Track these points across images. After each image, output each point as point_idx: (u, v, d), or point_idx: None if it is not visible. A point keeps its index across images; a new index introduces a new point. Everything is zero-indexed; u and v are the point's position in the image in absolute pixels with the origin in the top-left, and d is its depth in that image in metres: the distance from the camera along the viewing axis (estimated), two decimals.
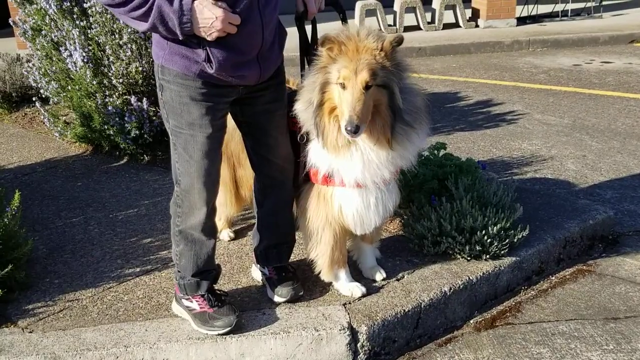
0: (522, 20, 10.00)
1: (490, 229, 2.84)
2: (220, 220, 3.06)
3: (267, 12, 2.21)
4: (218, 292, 2.57)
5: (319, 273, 2.67)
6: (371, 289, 2.69)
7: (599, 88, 6.45)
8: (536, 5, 10.29)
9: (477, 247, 2.84)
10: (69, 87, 4.61)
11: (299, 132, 2.48)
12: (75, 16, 4.40)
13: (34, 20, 4.79)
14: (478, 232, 2.83)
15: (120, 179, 4.17)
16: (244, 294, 2.73)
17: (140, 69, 4.32)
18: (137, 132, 4.28)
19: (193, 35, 2.11)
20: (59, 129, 4.85)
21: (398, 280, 2.77)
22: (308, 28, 2.54)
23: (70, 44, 4.40)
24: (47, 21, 4.64)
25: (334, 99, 2.27)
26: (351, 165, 2.36)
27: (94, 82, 4.37)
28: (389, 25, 9.61)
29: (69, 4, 4.41)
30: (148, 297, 2.75)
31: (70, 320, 2.61)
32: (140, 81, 4.38)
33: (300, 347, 2.43)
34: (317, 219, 2.55)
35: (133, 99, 4.27)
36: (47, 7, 4.52)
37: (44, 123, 5.14)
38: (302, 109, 2.37)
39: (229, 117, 2.46)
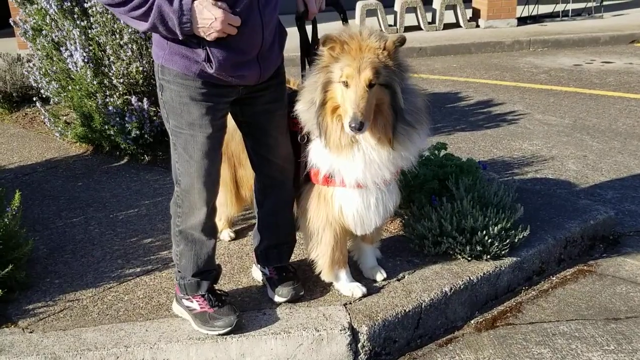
0: (522, 21, 9.99)
1: (491, 229, 2.84)
2: (220, 221, 3.06)
3: (267, 12, 2.21)
4: (218, 292, 2.57)
5: (320, 273, 2.67)
6: (372, 289, 2.69)
7: (599, 88, 6.45)
8: (537, 6, 10.28)
9: (478, 247, 2.84)
10: (70, 87, 4.61)
11: (300, 133, 2.48)
12: (75, 16, 4.40)
13: (34, 20, 4.79)
14: (479, 232, 2.83)
15: (121, 179, 4.17)
16: (245, 294, 2.73)
17: (140, 69, 4.32)
18: (137, 132, 4.28)
19: (193, 35, 2.11)
20: (59, 129, 4.85)
21: (399, 280, 2.77)
22: (308, 28, 2.54)
23: (71, 44, 4.40)
24: (47, 21, 4.64)
25: (336, 98, 2.27)
26: (353, 165, 2.36)
27: (95, 82, 4.37)
28: (390, 25, 9.60)
29: (69, 3, 4.41)
30: (148, 297, 2.75)
31: (70, 320, 2.60)
32: (140, 81, 4.38)
33: (300, 347, 2.43)
34: (318, 220, 2.54)
35: (133, 99, 4.27)
36: (48, 7, 4.52)
37: (44, 123, 5.14)
38: (304, 109, 2.37)
39: (229, 117, 2.46)
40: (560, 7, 10.25)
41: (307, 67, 2.50)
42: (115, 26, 4.29)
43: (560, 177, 4.19)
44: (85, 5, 4.35)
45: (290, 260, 2.79)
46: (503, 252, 2.90)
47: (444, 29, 9.73)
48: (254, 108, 2.42)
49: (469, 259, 2.88)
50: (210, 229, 2.47)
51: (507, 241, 2.89)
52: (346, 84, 2.22)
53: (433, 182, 3.09)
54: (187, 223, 2.43)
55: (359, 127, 2.15)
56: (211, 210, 2.44)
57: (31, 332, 2.53)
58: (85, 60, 4.33)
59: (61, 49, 4.60)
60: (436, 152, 3.33)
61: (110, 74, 4.35)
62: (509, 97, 6.28)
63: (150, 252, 3.15)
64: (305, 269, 2.81)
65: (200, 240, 2.45)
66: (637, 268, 3.14)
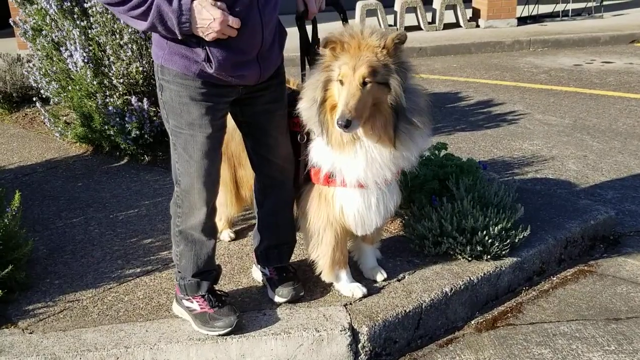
0: (522, 20, 9.99)
1: (491, 229, 2.84)
2: (220, 221, 3.05)
3: (267, 12, 2.20)
4: (218, 292, 2.57)
5: (320, 274, 2.66)
6: (372, 289, 2.69)
7: (599, 88, 6.45)
8: (537, 5, 10.28)
9: (478, 248, 2.84)
10: (70, 88, 4.60)
11: (300, 133, 2.48)
12: (75, 16, 4.39)
13: (34, 21, 4.79)
14: (479, 233, 2.82)
15: (121, 179, 4.17)
16: (245, 295, 2.73)
17: (140, 69, 4.32)
18: (137, 132, 4.28)
19: (192, 35, 2.11)
20: (59, 129, 4.85)
21: (399, 280, 2.76)
22: (309, 28, 2.54)
23: (71, 44, 4.39)
24: (47, 21, 4.64)
25: (335, 96, 2.27)
26: (354, 163, 2.35)
27: (95, 82, 4.37)
28: (390, 25, 9.60)
29: (69, 4, 4.41)
30: (148, 298, 2.75)
31: (70, 321, 2.60)
32: (140, 81, 4.38)
33: (301, 347, 2.42)
34: (318, 220, 2.54)
35: (133, 99, 4.27)
36: (48, 7, 4.51)
37: (44, 123, 5.14)
38: (306, 107, 2.37)
39: (229, 117, 2.46)
40: (560, 7, 10.25)
41: (307, 66, 2.50)
42: (115, 26, 4.29)
43: (561, 177, 4.19)
44: (85, 5, 4.35)
45: (291, 261, 2.78)
46: (503, 253, 2.89)
47: (444, 29, 9.72)
48: (253, 108, 2.42)
49: (470, 259, 2.88)
50: (210, 229, 2.47)
51: (508, 241, 2.89)
52: (342, 82, 2.23)
53: (433, 182, 3.09)
54: (187, 223, 2.42)
55: (346, 125, 2.15)
56: (211, 211, 2.43)
57: (31, 333, 2.52)
58: (85, 60, 4.32)
59: (61, 49, 4.59)
60: (436, 152, 3.33)
61: (110, 74, 4.35)
62: (509, 97, 6.28)
63: (150, 253, 3.15)
64: (305, 270, 2.80)
65: (200, 240, 2.44)
66: (638, 268, 3.13)
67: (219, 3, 2.07)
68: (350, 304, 2.60)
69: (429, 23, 9.80)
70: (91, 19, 4.33)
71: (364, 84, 2.19)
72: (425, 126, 2.38)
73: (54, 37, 4.64)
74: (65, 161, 4.59)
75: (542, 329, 2.69)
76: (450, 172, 3.12)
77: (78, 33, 4.33)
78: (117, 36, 4.29)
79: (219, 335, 2.41)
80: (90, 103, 4.42)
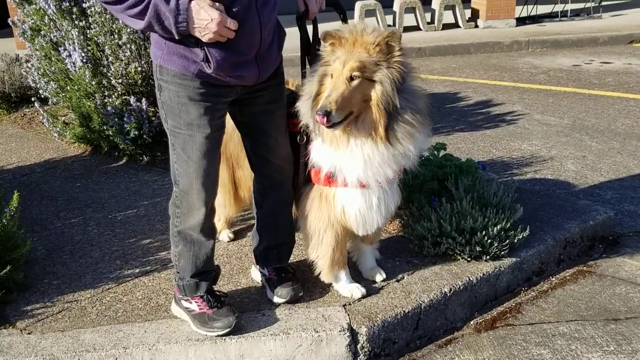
0: (521, 21, 10.00)
1: (490, 229, 2.83)
2: (219, 221, 3.05)
3: (266, 12, 2.20)
4: (217, 293, 2.56)
5: (319, 274, 2.66)
6: (371, 290, 2.68)
7: (598, 88, 6.45)
8: (536, 6, 10.29)
9: (477, 248, 2.84)
10: (68, 88, 4.60)
11: (300, 133, 2.47)
12: (74, 16, 4.39)
13: (32, 21, 4.78)
14: (478, 233, 2.82)
15: (120, 179, 4.17)
16: (244, 295, 2.73)
17: (139, 69, 4.31)
18: (136, 132, 4.27)
19: (191, 35, 2.11)
20: (58, 129, 4.84)
21: (398, 281, 2.76)
22: (309, 28, 2.54)
23: (69, 44, 4.39)
24: (46, 21, 4.63)
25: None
26: (352, 162, 2.35)
27: (93, 83, 4.36)
28: (389, 26, 9.59)
29: (68, 4, 4.40)
30: (147, 298, 2.74)
31: (69, 321, 2.60)
32: (139, 81, 4.37)
33: (300, 348, 2.42)
34: (319, 220, 2.54)
35: (132, 100, 4.27)
36: (46, 7, 4.51)
37: (43, 123, 5.13)
38: (303, 101, 2.39)
39: (228, 118, 2.45)
40: (559, 8, 10.26)
41: (307, 66, 2.50)
42: (114, 26, 4.29)
43: (560, 177, 4.19)
44: (84, 5, 4.34)
45: (290, 261, 2.78)
46: (502, 253, 2.89)
47: (442, 29, 9.73)
48: (252, 108, 2.42)
49: (469, 259, 2.88)
50: (209, 230, 2.46)
51: (507, 242, 2.89)
52: (332, 76, 2.25)
53: (432, 183, 3.09)
54: (185, 224, 2.42)
55: (324, 115, 2.16)
56: (210, 211, 2.43)
57: (29, 334, 2.52)
58: (84, 60, 4.32)
59: (60, 49, 4.59)
60: (435, 152, 3.33)
61: (109, 74, 4.34)
62: (508, 97, 6.28)
63: (149, 253, 3.14)
64: (304, 270, 2.80)
65: (199, 240, 2.44)
66: (637, 269, 3.13)
67: (217, 4, 2.06)
68: (349, 304, 2.60)
69: (428, 23, 9.80)
70: (90, 19, 4.33)
71: (351, 78, 2.21)
72: (423, 126, 2.37)
73: (52, 37, 4.63)
74: (63, 161, 4.59)
75: (541, 330, 2.68)
76: (450, 173, 3.12)
77: (77, 33, 4.32)
78: (116, 36, 4.29)
79: (218, 335, 2.41)
80: (88, 103, 4.42)
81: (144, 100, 4.28)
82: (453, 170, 3.13)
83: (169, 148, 2.38)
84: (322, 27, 2.45)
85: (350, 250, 2.82)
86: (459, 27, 9.85)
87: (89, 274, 2.96)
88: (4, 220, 2.80)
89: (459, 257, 2.89)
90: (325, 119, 2.17)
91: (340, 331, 2.43)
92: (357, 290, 2.64)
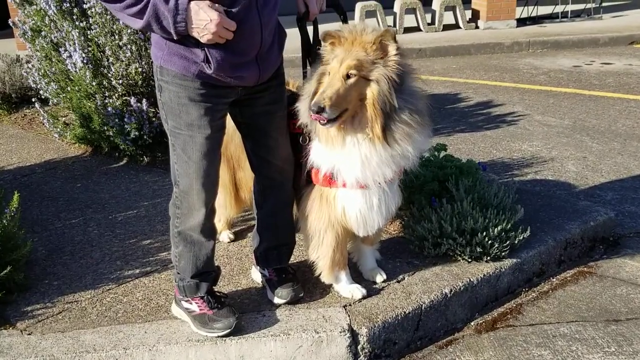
0: (522, 22, 9.99)
1: (491, 230, 2.83)
2: (219, 222, 3.05)
3: (266, 13, 2.20)
4: (218, 293, 2.56)
5: (320, 275, 2.66)
6: (371, 290, 2.68)
7: (599, 89, 6.45)
8: (536, 7, 10.28)
9: (478, 249, 2.83)
10: (69, 88, 4.60)
11: (300, 134, 2.48)
12: (75, 17, 4.39)
13: (33, 21, 4.78)
14: (479, 234, 2.82)
15: (120, 180, 4.16)
16: (244, 296, 2.72)
17: (139, 70, 4.31)
18: (136, 133, 4.27)
19: (190, 35, 2.10)
20: (58, 130, 4.84)
21: (398, 282, 2.76)
22: (309, 29, 2.54)
23: (70, 45, 4.39)
24: (46, 22, 4.63)
25: None
26: (350, 163, 2.35)
27: (94, 83, 4.36)
28: (389, 26, 9.60)
29: (68, 4, 4.40)
30: (147, 299, 2.74)
31: (69, 322, 2.59)
32: (139, 82, 4.37)
33: (300, 349, 2.42)
34: (320, 221, 2.54)
35: (133, 100, 4.27)
36: (47, 8, 4.51)
37: (43, 124, 5.13)
38: (302, 99, 2.39)
39: (229, 119, 2.45)
40: (559, 9, 10.26)
41: (308, 67, 2.50)
42: (115, 27, 4.29)
43: (560, 178, 4.19)
44: (85, 6, 4.34)
45: (290, 262, 2.78)
46: (503, 254, 2.89)
47: (443, 30, 9.73)
48: (253, 109, 2.41)
49: (469, 260, 2.88)
50: (209, 230, 2.46)
51: (507, 242, 2.89)
52: (329, 74, 2.27)
53: (433, 184, 3.09)
54: (186, 224, 2.42)
55: (317, 111, 2.17)
56: (210, 211, 2.43)
57: (29, 334, 2.52)
58: (85, 61, 4.32)
59: (60, 49, 4.59)
60: (436, 153, 3.32)
61: (110, 75, 4.34)
62: (509, 98, 6.28)
63: (149, 254, 3.14)
64: (304, 271, 2.80)
65: (199, 241, 2.44)
66: (638, 269, 3.13)
67: (216, 5, 2.06)
68: (350, 305, 2.59)
69: (429, 24, 9.80)
70: (90, 19, 4.33)
71: (347, 76, 2.22)
72: (422, 127, 2.37)
73: (53, 38, 4.63)
74: (64, 162, 4.59)
75: (541, 331, 2.68)
76: (450, 174, 3.11)
77: (77, 34, 4.33)
78: (117, 37, 4.29)
79: (218, 336, 2.41)
80: (89, 104, 4.42)
81: (144, 101, 4.28)
82: (454, 171, 3.13)
83: (169, 149, 2.38)
84: (323, 28, 2.45)
85: (351, 251, 2.82)
86: (459, 28, 9.85)
87: (90, 275, 2.96)
88: (5, 221, 2.80)
89: (459, 258, 2.89)
90: (318, 115, 2.18)
91: (340, 332, 2.43)
92: (357, 291, 2.64)
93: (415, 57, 8.37)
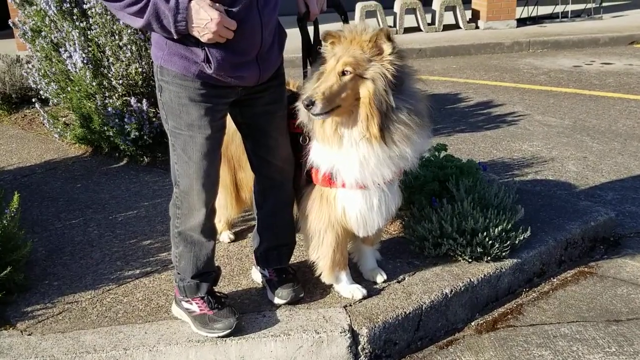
0: (522, 22, 9.99)
1: (491, 230, 2.83)
2: (220, 222, 3.05)
3: (266, 12, 2.20)
4: (218, 294, 2.56)
5: (320, 275, 2.66)
6: (372, 291, 2.68)
7: (599, 89, 6.45)
8: (536, 7, 10.28)
9: (478, 249, 2.83)
10: (69, 89, 4.60)
11: (302, 135, 2.48)
12: (75, 17, 4.39)
13: (33, 22, 4.78)
14: (479, 234, 2.82)
15: (120, 180, 4.16)
16: (244, 296, 2.72)
17: (140, 70, 4.31)
18: (136, 133, 4.27)
19: (190, 35, 2.10)
20: (58, 130, 4.84)
21: (399, 282, 2.76)
22: (310, 29, 2.53)
23: (70, 45, 4.39)
24: (46, 22, 4.63)
25: None
26: (348, 163, 2.35)
27: (94, 84, 4.36)
28: (389, 27, 9.60)
29: (68, 5, 4.40)
30: (148, 299, 2.74)
31: (69, 322, 2.59)
32: (140, 82, 4.37)
33: (300, 349, 2.42)
34: (320, 221, 2.54)
35: (133, 100, 4.27)
36: (47, 8, 4.51)
37: (43, 124, 5.13)
38: (301, 99, 2.38)
39: (230, 120, 2.45)
40: (559, 9, 10.26)
41: (309, 66, 2.50)
42: (115, 27, 4.29)
43: (561, 178, 4.18)
44: (85, 6, 4.34)
45: (290, 262, 2.78)
46: (504, 254, 2.89)
47: (443, 30, 9.73)
48: (253, 109, 2.41)
49: (470, 260, 2.88)
50: (209, 231, 2.46)
51: (508, 243, 2.88)
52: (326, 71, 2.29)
53: (433, 184, 3.08)
54: (186, 224, 2.41)
55: (308, 104, 2.19)
56: (210, 212, 2.43)
57: (30, 335, 2.51)
58: (85, 61, 4.32)
59: (60, 50, 4.59)
60: (436, 153, 3.32)
61: (110, 75, 4.34)
62: (509, 98, 6.28)
63: (150, 254, 3.14)
64: (305, 271, 2.79)
65: (200, 241, 2.44)
66: (638, 270, 3.13)
67: (216, 4, 2.06)
68: (350, 305, 2.59)
69: (429, 24, 9.80)
70: (90, 20, 4.33)
71: (343, 73, 2.24)
72: (421, 128, 2.37)
73: (53, 38, 4.63)
74: (64, 162, 4.58)
75: (542, 331, 2.68)
76: (450, 174, 3.11)
77: (77, 34, 4.32)
78: (117, 37, 4.29)
79: (219, 337, 2.41)
80: (89, 104, 4.42)
81: (144, 101, 4.28)
82: (454, 171, 3.13)
83: (169, 149, 2.38)
84: (324, 28, 2.45)
85: (351, 251, 2.82)
86: (459, 28, 9.85)
87: (90, 275, 2.96)
88: (5, 221, 2.80)
89: (460, 258, 2.89)
90: (308, 107, 2.20)
91: (341, 332, 2.43)
92: (357, 291, 2.64)
93: (415, 57, 8.37)
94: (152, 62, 2.34)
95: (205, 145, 2.28)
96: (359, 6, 9.52)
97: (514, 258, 2.93)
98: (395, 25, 9.65)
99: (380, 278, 2.75)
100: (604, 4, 10.55)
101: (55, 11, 4.46)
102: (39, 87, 5.01)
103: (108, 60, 4.34)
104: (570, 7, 10.16)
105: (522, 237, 2.94)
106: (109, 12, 4.24)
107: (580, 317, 2.77)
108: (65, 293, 2.81)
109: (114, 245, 3.25)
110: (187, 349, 2.40)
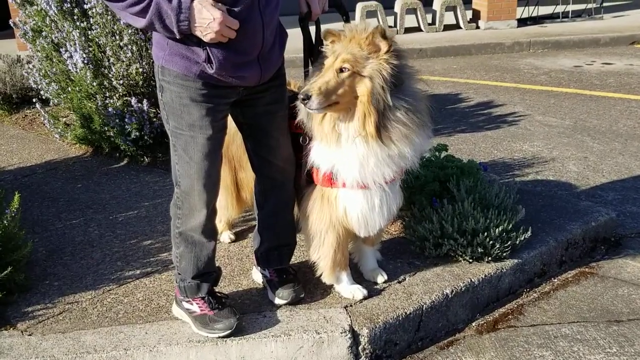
0: (522, 22, 9.99)
1: (492, 231, 2.83)
2: (220, 223, 3.05)
3: (268, 12, 2.20)
4: (218, 294, 2.56)
5: (321, 275, 2.65)
6: (372, 291, 2.68)
7: (600, 89, 6.44)
8: (537, 7, 10.28)
9: (479, 249, 2.83)
10: (69, 89, 4.60)
11: (301, 134, 2.47)
12: (75, 17, 4.39)
13: (34, 22, 4.78)
14: (480, 234, 2.82)
15: (121, 180, 4.16)
16: (245, 297, 2.72)
17: (140, 70, 4.31)
18: (137, 133, 4.27)
19: (192, 34, 2.10)
20: (59, 130, 4.84)
21: (399, 282, 2.76)
22: (312, 29, 2.53)
23: (71, 45, 4.39)
24: (47, 22, 4.63)
25: None
26: (348, 162, 2.35)
27: (94, 84, 4.36)
28: (390, 27, 9.60)
29: (69, 5, 4.40)
30: (148, 300, 2.74)
31: (69, 322, 2.59)
32: (140, 82, 4.37)
33: (301, 350, 2.41)
34: (321, 221, 2.53)
35: (133, 101, 4.26)
36: (48, 8, 4.51)
37: (44, 124, 5.13)
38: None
39: (231, 120, 2.45)
40: (560, 9, 10.25)
41: (310, 66, 2.50)
42: (115, 27, 4.29)
43: (561, 178, 4.18)
44: (85, 6, 4.34)
45: (291, 262, 2.77)
46: (504, 254, 2.89)
47: (444, 30, 9.72)
48: (254, 109, 2.41)
49: (470, 260, 2.87)
50: (210, 231, 2.46)
51: (509, 243, 2.88)
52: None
53: (434, 184, 3.08)
54: (187, 225, 2.41)
55: (304, 98, 2.21)
56: (211, 212, 2.43)
57: (30, 335, 2.51)
58: (85, 61, 4.32)
59: (61, 50, 4.59)
60: (437, 153, 3.32)
61: (110, 75, 4.34)
62: (510, 98, 6.27)
63: (150, 254, 3.14)
64: (305, 271, 2.79)
65: (201, 242, 2.43)
66: (639, 270, 3.12)
67: (219, 4, 2.06)
68: (351, 305, 2.59)
69: (429, 24, 9.80)
70: (91, 20, 4.33)
71: (341, 70, 2.25)
72: (421, 127, 2.36)
73: (53, 39, 4.63)
74: (64, 162, 4.58)
75: (543, 331, 2.68)
76: (451, 174, 3.11)
77: (78, 34, 4.33)
78: (117, 37, 4.28)
79: (219, 337, 2.41)
80: (90, 104, 4.42)
81: (145, 101, 4.28)
82: (454, 172, 3.13)
83: (170, 149, 2.38)
84: (325, 28, 2.45)
85: (352, 252, 2.82)
86: (460, 28, 9.85)
87: (90, 275, 2.96)
88: (5, 222, 2.80)
89: (460, 259, 2.89)
90: (304, 101, 2.21)
91: (341, 333, 2.43)
92: (358, 291, 2.64)
93: (415, 57, 8.36)
94: (152, 62, 2.34)
95: (206, 145, 2.28)
96: (359, 6, 9.51)
97: (515, 258, 2.93)
98: (395, 26, 9.65)
99: (381, 278, 2.75)
100: (604, 4, 10.55)
101: (55, 11, 4.46)
102: (39, 87, 5.01)
103: (109, 60, 4.34)
104: (571, 7, 10.16)
105: (522, 238, 2.94)
106: (109, 12, 4.25)
107: (581, 317, 2.77)
108: (66, 293, 2.81)
109: (115, 245, 3.25)
110: (188, 349, 2.40)
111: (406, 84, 2.32)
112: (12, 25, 5.33)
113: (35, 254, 3.15)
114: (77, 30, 4.35)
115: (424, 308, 2.60)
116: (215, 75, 2.17)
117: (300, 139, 2.49)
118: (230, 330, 2.40)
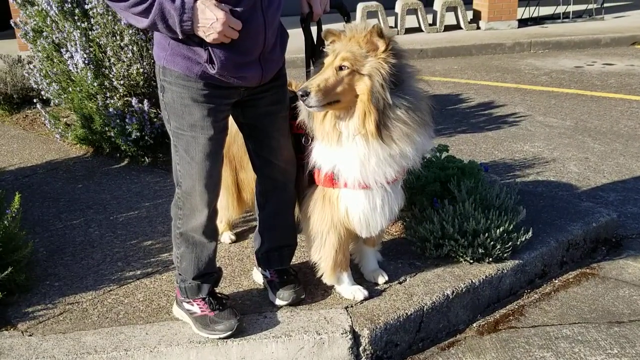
0: (523, 22, 9.99)
1: (493, 231, 2.83)
2: (221, 223, 3.05)
3: (270, 13, 2.20)
4: (219, 295, 2.56)
5: (321, 276, 2.65)
6: (373, 292, 2.67)
7: (601, 90, 6.44)
8: (537, 7, 10.28)
9: (480, 250, 2.83)
10: (70, 89, 4.60)
11: (303, 135, 2.47)
12: (76, 17, 4.39)
13: (35, 22, 4.78)
14: (481, 235, 2.81)
15: (121, 180, 4.16)
16: (245, 297, 2.72)
17: (141, 70, 4.31)
18: (138, 134, 4.27)
19: (194, 35, 2.10)
20: (59, 130, 4.84)
21: (400, 283, 2.75)
22: (313, 29, 2.53)
23: (72, 46, 4.39)
24: (48, 23, 4.63)
25: None
26: (349, 162, 2.35)
27: (95, 84, 4.36)
28: (391, 27, 9.60)
29: (70, 5, 4.40)
30: (149, 300, 2.73)
31: (70, 323, 2.59)
32: (141, 83, 4.37)
33: (302, 350, 2.41)
34: (322, 222, 2.53)
35: (134, 101, 4.26)
36: (49, 8, 4.51)
37: (44, 125, 5.13)
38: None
39: (232, 120, 2.45)
40: (561, 9, 10.25)
41: (312, 67, 2.50)
42: (116, 28, 4.29)
43: (562, 179, 4.18)
44: (86, 6, 4.35)
45: (292, 263, 2.77)
46: (505, 255, 2.88)
47: (444, 30, 9.72)
48: (255, 110, 2.41)
49: (471, 261, 2.87)
50: (211, 232, 2.45)
51: (510, 244, 2.88)
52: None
53: (435, 185, 3.08)
54: (188, 225, 2.41)
55: (302, 95, 2.21)
56: (212, 213, 2.42)
57: (30, 335, 2.51)
58: (86, 61, 4.32)
59: (62, 50, 4.59)
60: (438, 154, 3.32)
61: (111, 75, 4.34)
62: (510, 99, 6.27)
63: (151, 255, 3.14)
64: (306, 272, 2.79)
65: (201, 242, 2.43)
66: None
67: (222, 4, 2.06)
68: (352, 306, 2.59)
69: (430, 25, 9.80)
70: (92, 20, 4.33)
71: (340, 68, 2.25)
72: (422, 127, 2.36)
73: (54, 39, 4.63)
74: (65, 163, 4.59)
75: (544, 332, 2.67)
76: (452, 175, 3.11)
77: (79, 34, 4.33)
78: (118, 38, 4.29)
79: (220, 338, 2.40)
80: (90, 104, 4.42)
81: (145, 101, 4.28)
82: (455, 172, 3.12)
83: (171, 149, 2.38)
84: (326, 28, 2.44)
85: (353, 252, 2.81)
86: (460, 28, 9.85)
87: (91, 276, 2.96)
88: (6, 222, 2.79)
89: (461, 259, 2.88)
90: (302, 98, 2.21)
91: (342, 333, 2.42)
92: (359, 292, 2.64)
93: (416, 57, 8.36)
94: (153, 62, 2.35)
95: (207, 145, 2.28)
96: (360, 7, 9.52)
97: (516, 259, 2.92)
98: (396, 26, 9.65)
99: (382, 279, 2.75)
100: (605, 5, 10.54)
101: (56, 11, 4.46)
102: (40, 87, 5.02)
103: (109, 60, 4.34)
104: (572, 8, 10.16)
105: (523, 238, 2.94)
106: (110, 13, 4.25)
107: (582, 318, 2.76)
108: (66, 294, 2.81)
109: (115, 245, 3.25)
110: (188, 350, 2.40)
111: (407, 82, 2.32)
112: (12, 25, 5.33)
113: (36, 255, 3.14)
114: (78, 31, 4.35)
115: (424, 309, 2.60)
116: (217, 75, 2.17)
117: (302, 140, 2.49)
118: (230, 332, 2.40)
